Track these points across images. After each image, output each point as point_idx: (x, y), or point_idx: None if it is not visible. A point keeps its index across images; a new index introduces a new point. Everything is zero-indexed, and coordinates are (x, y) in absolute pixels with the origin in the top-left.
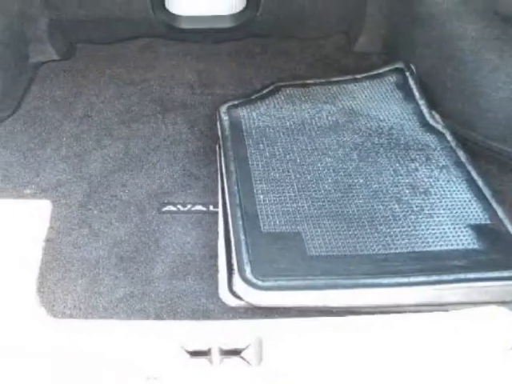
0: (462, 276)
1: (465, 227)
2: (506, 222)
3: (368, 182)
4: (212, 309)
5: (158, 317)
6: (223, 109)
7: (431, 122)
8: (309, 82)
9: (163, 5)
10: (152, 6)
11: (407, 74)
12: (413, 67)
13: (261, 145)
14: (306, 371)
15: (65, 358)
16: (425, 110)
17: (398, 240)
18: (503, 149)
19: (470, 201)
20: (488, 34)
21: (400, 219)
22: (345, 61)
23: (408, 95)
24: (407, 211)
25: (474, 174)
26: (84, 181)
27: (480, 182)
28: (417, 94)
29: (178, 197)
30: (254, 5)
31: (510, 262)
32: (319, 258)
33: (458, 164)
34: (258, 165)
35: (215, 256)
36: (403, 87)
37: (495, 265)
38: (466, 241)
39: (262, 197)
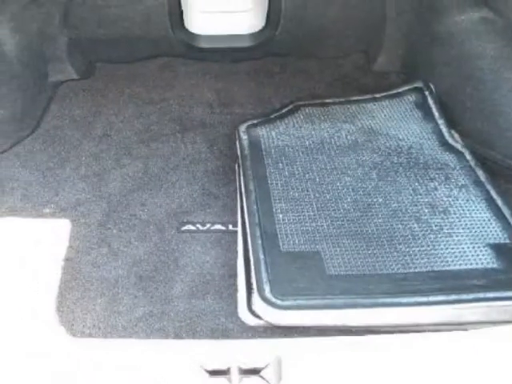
0: (481, 295)
1: (484, 246)
2: None
3: (387, 201)
4: (231, 328)
5: (178, 336)
6: (242, 128)
7: (450, 141)
8: (328, 101)
9: (182, 24)
10: (171, 25)
11: (426, 93)
12: (432, 86)
13: (280, 164)
14: None
15: (84, 378)
16: (444, 129)
17: (417, 259)
18: None
19: (489, 220)
20: (507, 52)
21: (419, 238)
22: (364, 80)
23: (427, 114)
24: (426, 230)
25: (493, 193)
26: (103, 200)
27: (499, 201)
28: (436, 114)
29: (198, 216)
30: (273, 24)
31: None
32: (338, 277)
33: (477, 183)
34: (277, 184)
35: (234, 275)
36: (422, 106)
37: None
38: (485, 260)
39: (281, 216)
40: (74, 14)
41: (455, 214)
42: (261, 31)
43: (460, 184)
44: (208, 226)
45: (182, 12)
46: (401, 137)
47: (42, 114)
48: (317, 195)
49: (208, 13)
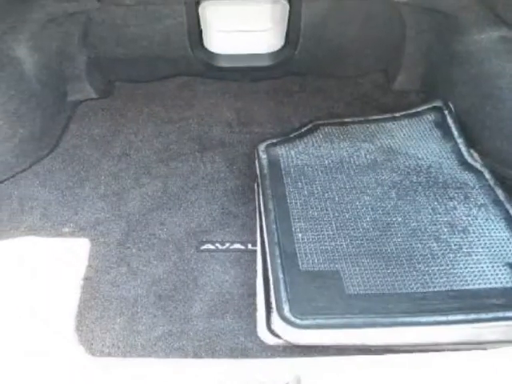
0: (500, 314)
1: (503, 265)
2: None
3: (406, 221)
4: (250, 347)
5: (197, 355)
6: (261, 147)
7: (469, 160)
8: (347, 120)
9: (201, 43)
10: (190, 45)
11: (446, 112)
12: (451, 105)
13: (299, 183)
14: None
15: None
16: (463, 149)
17: (436, 278)
18: None
19: (508, 239)
20: None
21: (438, 257)
22: (383, 99)
23: (446, 133)
24: (445, 249)
25: None
26: (122, 219)
27: None
28: (455, 133)
29: (217, 235)
30: (292, 43)
31: None
32: (357, 297)
33: (497, 202)
34: (296, 203)
35: (253, 294)
36: (442, 125)
37: None
38: (505, 279)
39: (300, 235)
40: (93, 33)
41: (474, 233)
42: (280, 50)
43: (479, 203)
44: (227, 245)
45: (201, 31)
46: (420, 156)
47: (61, 133)
48: (336, 214)
49: (227, 32)
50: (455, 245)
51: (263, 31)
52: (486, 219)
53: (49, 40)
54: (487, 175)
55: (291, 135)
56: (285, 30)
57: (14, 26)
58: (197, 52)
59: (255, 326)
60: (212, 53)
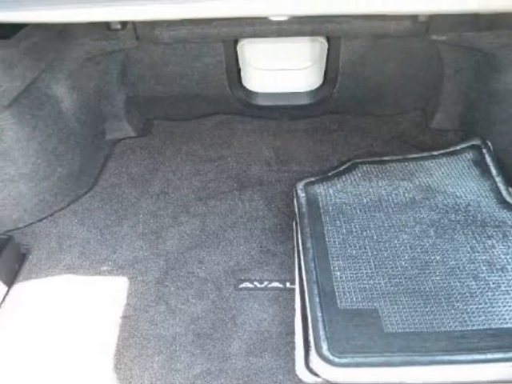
0: None
1: None
2: None
3: (445, 259)
4: None
5: None
6: (300, 185)
7: (508, 198)
8: (385, 158)
9: (240, 82)
10: (229, 83)
11: (484, 150)
12: (489, 144)
13: (338, 221)
14: None
15: None
16: (502, 187)
17: (474, 317)
18: None
19: None
20: None
21: (477, 296)
22: (421, 137)
23: (485, 172)
24: (484, 288)
25: None
26: (161, 257)
27: None
28: (493, 171)
29: (255, 273)
30: (330, 81)
31: None
32: (396, 335)
33: None
34: (334, 241)
35: (292, 333)
36: (480, 164)
37: None
38: None
39: (338, 274)
40: (132, 72)
41: None
42: (318, 89)
43: None
44: (265, 283)
45: (239, 70)
46: (458, 194)
47: (99, 172)
48: (374, 253)
49: (266, 70)
50: (493, 283)
51: (302, 69)
52: None
53: (87, 78)
54: None
55: (330, 173)
56: (323, 69)
57: (53, 65)
58: (235, 90)
59: (293, 365)
60: (250, 91)
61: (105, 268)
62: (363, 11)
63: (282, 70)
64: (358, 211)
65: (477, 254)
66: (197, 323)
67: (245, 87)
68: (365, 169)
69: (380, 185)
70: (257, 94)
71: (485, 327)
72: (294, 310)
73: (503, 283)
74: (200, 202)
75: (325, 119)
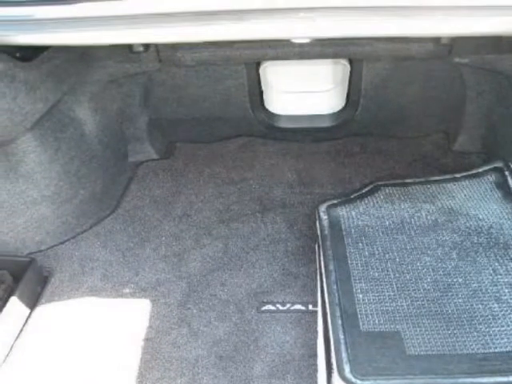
0: None
1: None
2: None
3: (467, 281)
4: None
5: None
6: (322, 208)
7: None
8: (408, 181)
9: (262, 104)
10: (251, 106)
11: (506, 173)
12: None
13: (360, 244)
14: None
15: None
16: None
17: (497, 339)
18: None
19: None
20: None
21: (499, 318)
22: (444, 160)
23: (507, 194)
24: (506, 310)
25: None
26: (183, 280)
27: None
28: None
29: (277, 296)
30: (353, 104)
31: None
32: (418, 358)
33: None
34: (357, 264)
35: (314, 355)
36: (502, 186)
37: None
38: None
39: (361, 296)
40: (154, 94)
41: None
42: (341, 111)
43: None
44: (288, 306)
45: (261, 92)
46: (481, 217)
47: (122, 194)
48: (397, 275)
49: (288, 93)
50: None
51: (324, 92)
52: None
53: (110, 101)
54: None
55: (352, 196)
56: (346, 91)
57: (75, 87)
58: (257, 113)
59: None
60: (273, 113)
61: (127, 290)
62: (383, 34)
63: (304, 93)
64: (381, 233)
65: (499, 277)
66: (219, 345)
67: (267, 109)
68: (387, 191)
69: (402, 207)
70: (279, 116)
71: (507, 349)
72: (316, 332)
73: None
74: (222, 225)
75: (347, 141)
